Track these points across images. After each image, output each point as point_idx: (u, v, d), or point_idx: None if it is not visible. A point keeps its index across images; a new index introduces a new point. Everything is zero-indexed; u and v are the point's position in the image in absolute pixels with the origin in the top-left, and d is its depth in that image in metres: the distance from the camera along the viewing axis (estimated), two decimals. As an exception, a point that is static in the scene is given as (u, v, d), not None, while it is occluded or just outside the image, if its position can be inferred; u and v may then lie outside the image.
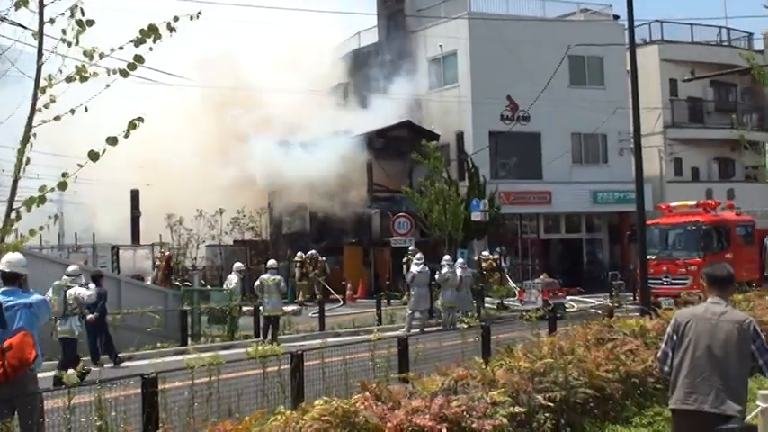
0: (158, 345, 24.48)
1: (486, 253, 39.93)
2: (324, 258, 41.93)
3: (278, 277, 27.26)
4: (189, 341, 25.70)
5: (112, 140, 4.92)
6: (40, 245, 39.89)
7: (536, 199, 45.83)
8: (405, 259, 36.79)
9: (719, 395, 7.11)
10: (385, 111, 46.10)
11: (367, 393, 9.07)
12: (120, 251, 42.21)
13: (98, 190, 44.30)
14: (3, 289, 10.01)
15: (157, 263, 40.39)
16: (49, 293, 18.72)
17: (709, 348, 7.22)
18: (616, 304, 26.93)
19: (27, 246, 26.53)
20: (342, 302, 39.28)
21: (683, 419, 7.35)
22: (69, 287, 19.64)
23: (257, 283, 27.53)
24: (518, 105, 45.07)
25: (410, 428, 8.33)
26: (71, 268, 20.77)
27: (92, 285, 21.47)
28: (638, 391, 12.28)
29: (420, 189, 37.90)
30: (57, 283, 19.62)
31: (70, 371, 14.38)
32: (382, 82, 46.88)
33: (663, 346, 7.67)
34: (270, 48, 47.47)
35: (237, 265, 30.10)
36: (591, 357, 12.08)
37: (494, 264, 38.81)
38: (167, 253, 40.49)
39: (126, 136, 5.01)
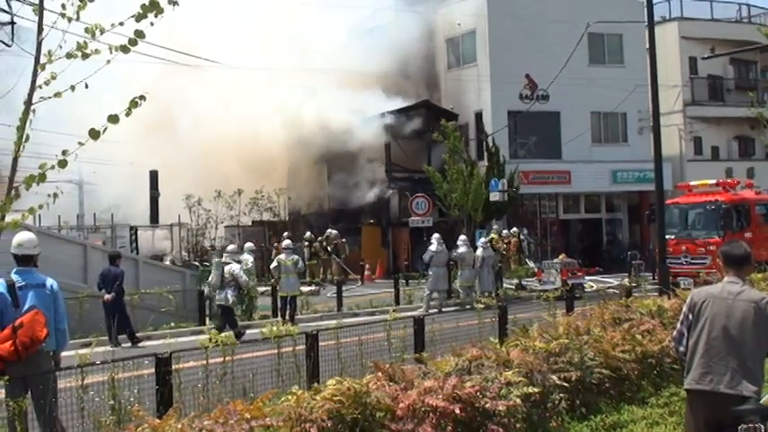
0: (175, 325, 24.51)
1: (506, 232, 39.83)
2: (343, 239, 41.78)
3: (295, 257, 27.24)
4: (207, 321, 25.74)
5: (114, 119, 4.86)
6: (59, 225, 40.03)
7: (555, 178, 45.65)
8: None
9: (735, 376, 7.01)
10: (403, 90, 45.96)
11: (380, 374, 9.03)
12: (139, 231, 42.27)
13: (118, 170, 44.50)
14: (16, 269, 10.05)
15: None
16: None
17: (726, 328, 7.11)
18: (634, 284, 26.79)
19: (45, 226, 26.70)
20: (360, 282, 39.22)
21: (698, 400, 7.25)
22: (227, 263, 22.70)
23: (274, 263, 27.50)
24: (537, 84, 44.81)
25: (422, 409, 8.29)
26: (230, 247, 24.47)
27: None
28: (655, 372, 12.19)
29: (442, 168, 37.76)
30: (216, 260, 23.56)
31: (228, 332, 16.16)
32: (400, 61, 46.66)
33: (679, 325, 7.56)
34: (282, 27, 47.28)
35: (248, 245, 30.05)
36: (607, 338, 12.00)
37: (514, 242, 38.71)
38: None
39: (128, 114, 4.95)
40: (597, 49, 46.73)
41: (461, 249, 29.90)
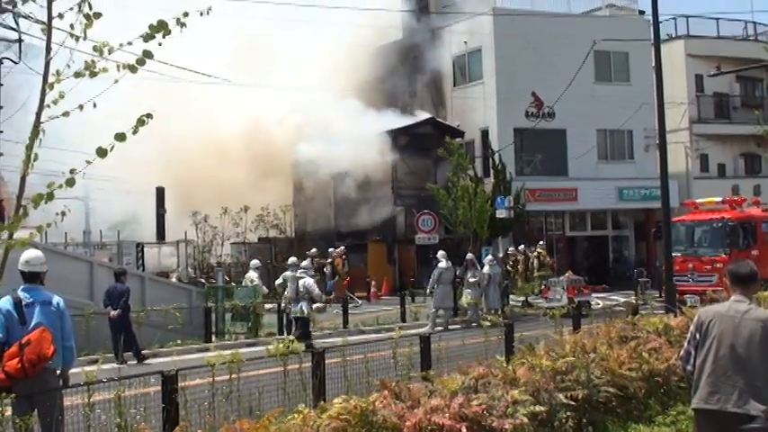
0: (181, 342, 24.49)
1: (512, 249, 39.81)
2: (344, 257, 41.41)
3: (309, 281, 26.85)
4: (213, 338, 25.71)
5: (121, 137, 4.88)
6: (65, 242, 40.09)
7: (561, 196, 45.64)
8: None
9: (743, 395, 6.99)
10: (409, 107, 46.06)
11: (386, 392, 9.01)
12: (146, 248, 42.31)
13: (125, 187, 44.61)
14: (23, 286, 10.04)
15: None
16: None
17: (733, 347, 7.09)
18: (641, 302, 26.73)
19: (51, 243, 26.73)
20: (358, 303, 38.68)
21: (705, 419, 7.24)
22: (301, 278, 23.45)
23: (279, 280, 27.47)
24: (543, 101, 44.87)
25: (429, 427, 8.27)
26: (304, 263, 25.03)
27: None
28: (662, 390, 12.14)
29: (446, 186, 37.76)
30: (290, 274, 24.22)
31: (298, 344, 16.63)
32: (407, 78, 46.79)
33: (686, 344, 7.55)
34: (292, 45, 47.46)
35: (254, 262, 29.99)
36: (614, 356, 11.96)
37: (521, 259, 38.67)
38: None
39: (134, 132, 4.97)
40: (603, 67, 46.79)
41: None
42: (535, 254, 38.57)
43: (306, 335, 22.77)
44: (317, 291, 23.61)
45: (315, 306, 23.14)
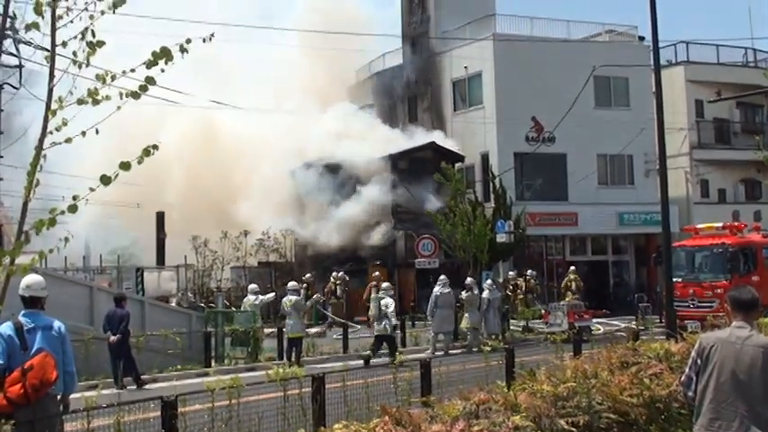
0: (181, 367, 24.45)
1: (512, 273, 39.80)
2: (338, 282, 41.40)
3: (293, 298, 26.83)
4: (213, 363, 25.66)
5: (125, 165, 4.90)
6: (65, 267, 40.07)
7: (562, 220, 45.71)
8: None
9: (744, 421, 6.98)
10: (410, 132, 46.17)
11: (387, 417, 8.98)
12: (145, 273, 42.29)
13: (125, 211, 44.63)
14: (23, 311, 10.02)
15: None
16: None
17: (734, 373, 7.09)
18: (642, 327, 26.70)
19: (51, 268, 26.75)
20: (357, 327, 38.39)
21: (707, 446, 7.22)
22: (382, 298, 26.31)
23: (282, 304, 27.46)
24: (543, 126, 45.01)
25: (430, 454, 8.24)
26: (385, 285, 28.47)
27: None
28: (663, 417, 12.08)
29: (444, 211, 37.78)
30: (374, 295, 28.12)
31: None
32: (407, 103, 46.93)
33: (687, 370, 7.56)
34: (292, 70, 47.71)
35: (252, 286, 29.96)
36: (615, 381, 11.92)
37: (522, 283, 38.70)
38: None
39: (140, 162, 4.99)
40: (603, 92, 46.98)
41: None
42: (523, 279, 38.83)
43: (391, 349, 25.08)
44: (391, 309, 25.78)
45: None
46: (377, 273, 39.98)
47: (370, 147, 44.30)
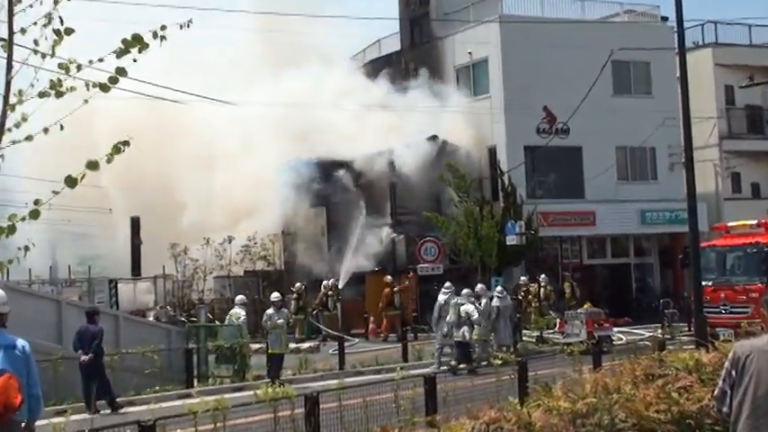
0: (160, 388, 24.41)
1: (524, 279, 39.80)
2: (329, 291, 41.48)
3: (269, 312, 26.92)
4: (195, 383, 25.63)
5: (93, 165, 4.85)
6: (30, 279, 39.95)
7: (578, 220, 45.64)
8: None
9: (785, 438, 6.96)
10: (409, 125, 46.09)
11: (388, 440, 8.98)
12: (120, 285, 42.18)
13: (96, 218, 44.57)
14: (-17, 330, 9.98)
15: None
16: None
17: (773, 386, 7.07)
18: (668, 336, 26.71)
19: (14, 281, 26.64)
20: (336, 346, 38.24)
21: (743, 466, 7.19)
22: (462, 304, 27.96)
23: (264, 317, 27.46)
24: (556, 117, 44.91)
25: (436, 479, 8.23)
26: (464, 291, 29.47)
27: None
28: (694, 434, 12.09)
29: (445, 212, 37.78)
30: (453, 301, 28.48)
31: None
32: (406, 93, 46.84)
33: (720, 383, 7.51)
34: (284, 57, 47.68)
35: (240, 297, 29.96)
36: (639, 396, 11.90)
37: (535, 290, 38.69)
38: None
39: (108, 161, 4.94)
40: (622, 79, 46.93)
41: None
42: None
43: (466, 357, 26.86)
44: (476, 316, 27.54)
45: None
46: (388, 277, 40.03)
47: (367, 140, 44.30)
